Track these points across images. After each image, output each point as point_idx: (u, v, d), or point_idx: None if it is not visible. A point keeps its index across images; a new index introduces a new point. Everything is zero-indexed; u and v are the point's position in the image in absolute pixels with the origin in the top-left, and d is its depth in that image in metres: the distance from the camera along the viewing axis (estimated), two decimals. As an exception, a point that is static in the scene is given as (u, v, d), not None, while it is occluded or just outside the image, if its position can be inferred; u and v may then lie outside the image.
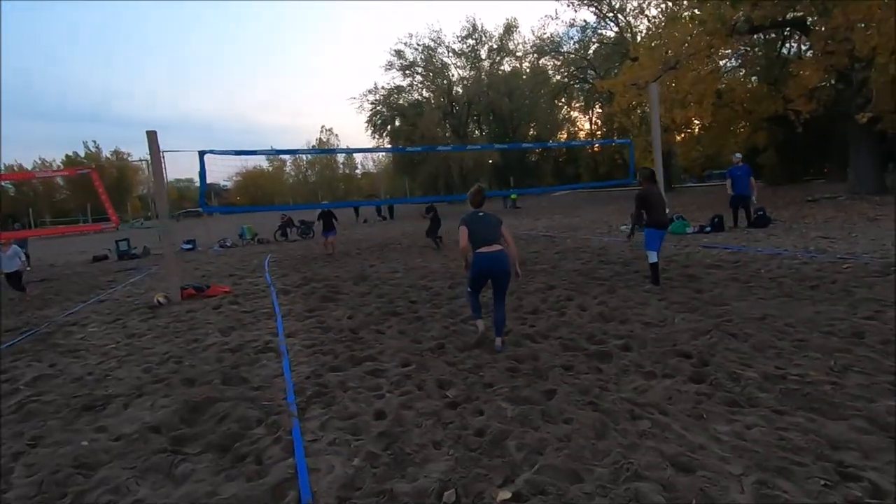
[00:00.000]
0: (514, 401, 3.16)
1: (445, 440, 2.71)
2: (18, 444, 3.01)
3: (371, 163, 77.82)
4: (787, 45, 24.72)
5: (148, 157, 7.22)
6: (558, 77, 43.92)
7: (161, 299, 7.17)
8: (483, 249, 4.15)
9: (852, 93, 15.90)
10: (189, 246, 17.73)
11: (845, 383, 3.05)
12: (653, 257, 6.12)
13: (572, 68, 40.22)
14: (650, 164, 20.99)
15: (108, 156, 65.28)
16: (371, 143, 59.85)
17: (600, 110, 49.21)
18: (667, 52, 17.99)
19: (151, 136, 7.06)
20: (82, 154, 63.56)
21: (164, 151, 7.18)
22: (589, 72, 38.98)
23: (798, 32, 18.01)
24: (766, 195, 17.51)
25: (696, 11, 15.65)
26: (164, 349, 4.89)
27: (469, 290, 4.48)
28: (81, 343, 5.43)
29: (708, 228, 11.03)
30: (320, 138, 74.66)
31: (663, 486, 2.20)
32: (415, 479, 2.37)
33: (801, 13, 15.79)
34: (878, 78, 12.98)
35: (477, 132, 52.68)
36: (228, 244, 18.05)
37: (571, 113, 55.51)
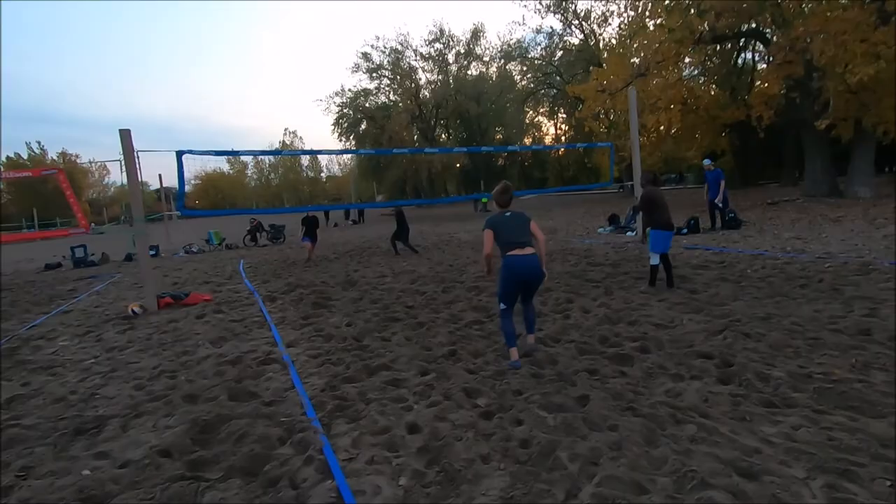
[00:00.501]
0: (550, 408, 3.05)
1: (493, 454, 2.57)
2: (6, 477, 2.67)
3: (336, 166, 76.91)
4: (742, 55, 25.97)
5: (102, 160, 6.76)
6: (524, 82, 44.54)
7: (136, 309, 6.70)
8: (515, 252, 3.77)
9: (809, 101, 16.79)
10: (152, 252, 16.84)
11: (872, 381, 3.10)
12: (655, 259, 6.13)
13: (539, 74, 40.81)
14: (620, 168, 21.50)
15: (55, 157, 61.80)
16: (338, 146, 59.10)
17: (564, 115, 50.35)
18: (635, 60, 18.51)
19: (125, 135, 6.61)
20: (25, 156, 59.90)
21: (138, 151, 6.76)
22: (556, 77, 39.65)
23: (757, 42, 18.85)
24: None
25: (664, 21, 16.12)
26: (152, 363, 4.53)
27: (501, 305, 3.96)
28: (55, 359, 4.98)
29: (685, 230, 11.31)
30: (284, 141, 73.18)
31: (733, 493, 2.13)
32: (473, 498, 2.22)
33: (760, 25, 16.54)
34: (836, 87, 13.69)
35: (444, 136, 52.71)
36: (194, 250, 17.29)
37: (537, 118, 56.32)
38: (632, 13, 22.11)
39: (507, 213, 3.96)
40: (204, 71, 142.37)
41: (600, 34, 35.94)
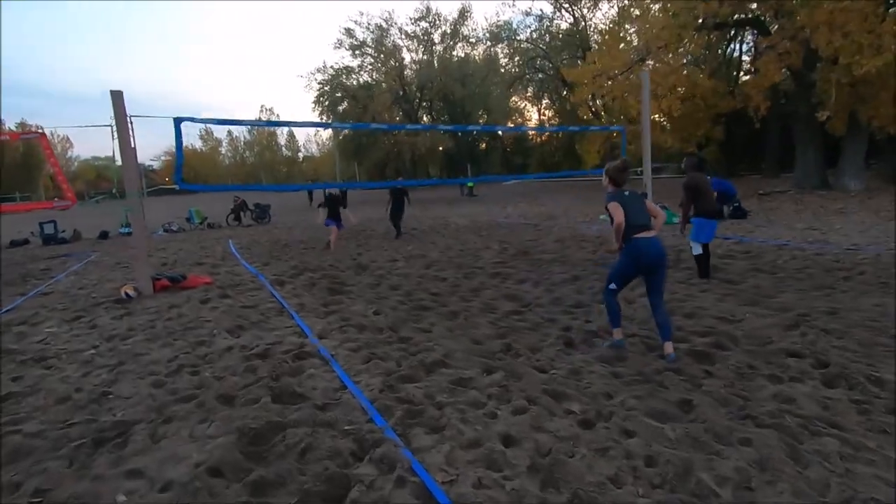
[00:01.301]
0: (656, 416, 2.69)
1: (621, 475, 2.18)
2: (21, 501, 2.15)
3: (315, 146, 75.04)
4: (733, 45, 26.00)
5: (86, 125, 5.98)
6: (511, 66, 43.90)
7: (130, 291, 6.06)
8: (641, 235, 3.49)
9: (805, 92, 16.84)
10: (127, 230, 15.84)
11: None
12: (697, 248, 5.83)
13: (526, 58, 40.24)
14: (617, 153, 21.31)
15: (13, 128, 58.12)
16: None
17: (547, 101, 50.03)
18: (633, 44, 18.18)
19: (117, 98, 5.88)
20: (-22, 124, 56.02)
21: (132, 116, 6.02)
22: (545, 63, 39.21)
23: (754, 31, 18.75)
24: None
25: (668, 4, 15.79)
26: (165, 355, 3.98)
27: (611, 286, 3.71)
28: (46, 348, 4.36)
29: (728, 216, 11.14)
30: (259, 117, 70.68)
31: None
32: (626, 536, 1.83)
33: (762, 14, 16.37)
34: (838, 79, 13.67)
35: (426, 117, 51.70)
36: (174, 229, 16.35)
37: (522, 103, 55.83)
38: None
39: (626, 193, 3.66)
40: (174, 43, 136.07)
41: (590, 18, 35.66)
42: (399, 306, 5.24)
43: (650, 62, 17.74)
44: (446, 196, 30.43)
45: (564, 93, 40.85)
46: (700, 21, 16.04)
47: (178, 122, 6.24)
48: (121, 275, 8.15)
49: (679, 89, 16.62)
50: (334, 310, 5.14)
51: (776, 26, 16.39)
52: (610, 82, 20.97)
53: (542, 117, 55.92)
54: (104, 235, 14.94)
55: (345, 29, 44.87)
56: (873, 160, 20.70)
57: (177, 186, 6.22)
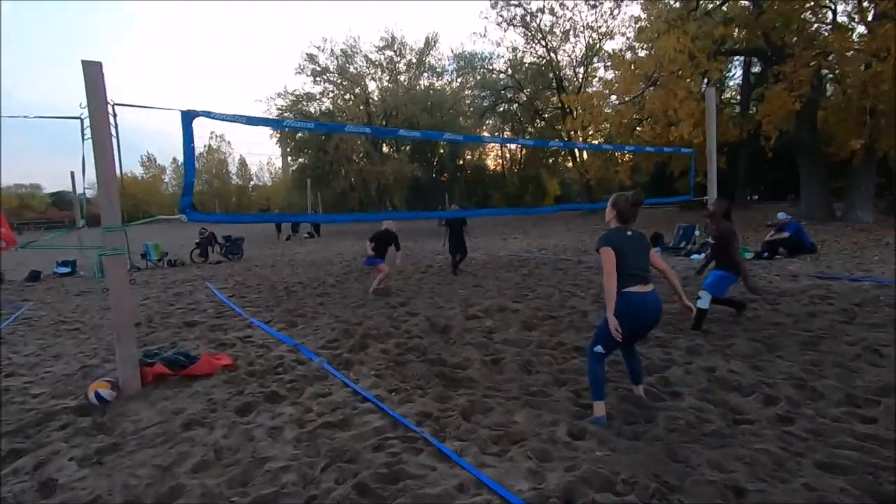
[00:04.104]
0: None
1: None
2: None
3: (267, 175, 71.63)
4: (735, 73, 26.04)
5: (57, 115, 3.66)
6: (479, 96, 43.34)
7: (104, 391, 3.63)
8: (637, 289, 2.91)
9: (809, 121, 16.49)
10: (65, 269, 12.77)
11: None
12: (705, 302, 4.91)
13: (500, 88, 39.84)
14: (628, 181, 20.26)
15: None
16: (277, 152, 54.81)
17: (510, 133, 49.86)
18: (644, 70, 17.35)
19: (92, 71, 3.60)
20: None
21: (114, 104, 3.74)
22: (518, 94, 38.93)
23: (763, 61, 18.44)
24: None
25: (686, 28, 15.01)
26: None
27: (597, 348, 3.06)
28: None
29: (766, 254, 9.80)
30: (209, 145, 66.74)
31: None
32: None
33: (778, 42, 15.92)
34: (875, 107, 13.13)
35: (386, 148, 50.02)
36: (128, 267, 13.37)
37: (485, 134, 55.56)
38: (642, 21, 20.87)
39: (629, 233, 3.06)
40: (117, 58, 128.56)
41: (561, 48, 35.59)
42: (569, 406, 3.24)
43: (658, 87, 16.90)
44: (418, 227, 28.40)
45: (539, 123, 40.64)
46: (716, 47, 15.37)
47: (187, 117, 4.00)
48: (74, 344, 5.57)
49: (697, 117, 15.73)
50: (499, 431, 2.98)
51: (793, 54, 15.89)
52: (609, 110, 20.14)
53: (503, 149, 55.85)
54: (35, 276, 11.82)
55: (307, 54, 43.03)
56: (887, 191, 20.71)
57: (183, 218, 3.92)
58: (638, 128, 20.08)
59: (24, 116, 3.64)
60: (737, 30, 14.72)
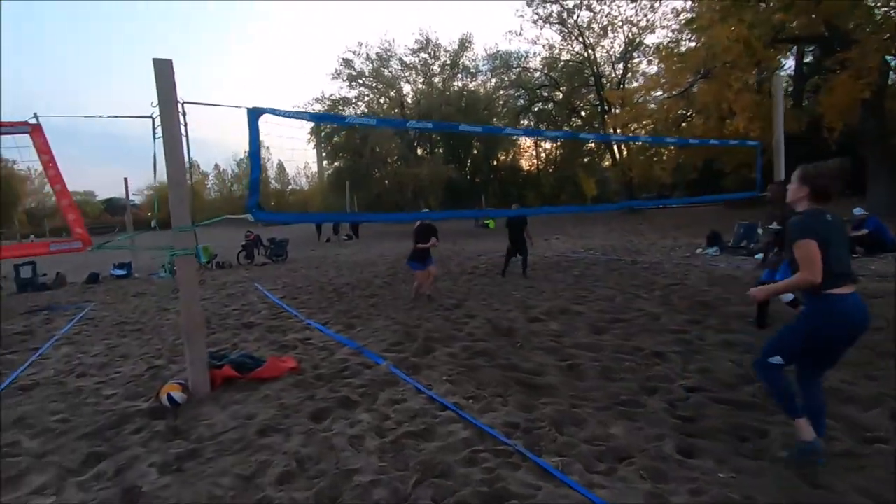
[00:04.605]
0: None
1: None
2: None
3: (304, 179, 73.05)
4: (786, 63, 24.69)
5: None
6: (514, 96, 42.89)
7: (176, 394, 3.57)
8: (842, 290, 2.29)
9: (877, 113, 15.40)
10: (122, 272, 13.20)
11: None
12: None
13: (535, 87, 39.36)
14: (664, 174, 19.44)
15: (-16, 161, 54.57)
16: (313, 156, 55.81)
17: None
18: (693, 62, 16.63)
19: (163, 69, 3.56)
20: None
21: (183, 102, 3.70)
22: (554, 92, 38.37)
23: (823, 49, 17.39)
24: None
25: (742, 16, 14.25)
26: None
27: (777, 359, 2.45)
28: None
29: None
30: (247, 149, 68.66)
31: None
32: None
33: (844, 26, 14.92)
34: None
35: (420, 150, 50.08)
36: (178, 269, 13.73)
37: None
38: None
39: (829, 217, 2.37)
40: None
41: (598, 43, 34.75)
42: (667, 417, 2.94)
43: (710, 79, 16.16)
44: (455, 228, 28.21)
45: (575, 121, 39.93)
46: (774, 35, 14.56)
47: (253, 114, 3.92)
48: (138, 345, 5.62)
49: (753, 110, 14.92)
50: (600, 446, 2.72)
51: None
52: (653, 105, 19.48)
53: (538, 149, 55.12)
54: (94, 278, 12.26)
55: (343, 59, 43.71)
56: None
57: (250, 216, 3.84)
58: (683, 123, 19.33)
59: (100, 116, 3.64)
60: (796, 16, 13.85)
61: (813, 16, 14.27)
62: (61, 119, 5.33)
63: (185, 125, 3.71)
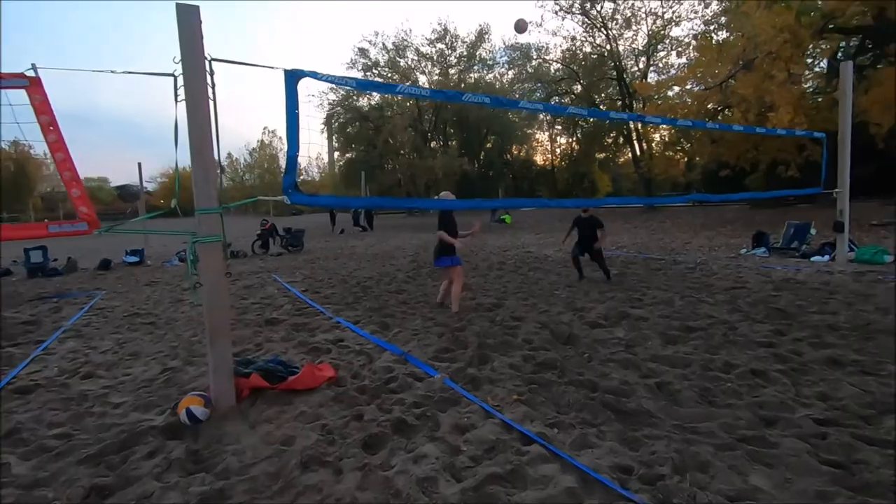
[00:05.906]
0: None
1: None
2: None
3: (316, 169, 72.58)
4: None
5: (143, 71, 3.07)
6: (531, 89, 41.99)
7: (196, 408, 2.99)
8: None
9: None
10: (135, 258, 12.73)
11: None
12: None
13: (554, 80, 38.48)
14: (677, 172, 18.51)
15: (5, 147, 54.53)
16: (325, 145, 55.20)
17: (560, 126, 48.30)
18: (732, 53, 15.76)
19: (187, 16, 2.96)
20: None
21: (212, 59, 3.09)
22: (574, 85, 37.47)
23: (873, 40, 16.44)
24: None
25: (788, 5, 13.39)
26: None
27: None
28: None
29: (910, 258, 8.37)
30: (262, 140, 68.38)
31: None
32: None
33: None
34: None
35: (434, 143, 49.32)
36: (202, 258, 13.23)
37: (532, 130, 54.24)
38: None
39: None
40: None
41: (621, 35, 33.73)
42: (813, 462, 2.32)
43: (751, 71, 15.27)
44: (468, 221, 27.46)
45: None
46: (825, 24, 13.68)
47: (291, 77, 3.31)
48: (151, 340, 5.07)
49: (794, 103, 14.07)
50: (743, 502, 2.11)
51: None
52: (688, 98, 18.67)
53: (553, 144, 54.15)
54: (105, 265, 11.78)
55: (359, 49, 42.93)
56: None
57: (286, 199, 3.24)
58: (719, 116, 18.46)
59: (113, 71, 3.06)
60: (848, 3, 12.97)
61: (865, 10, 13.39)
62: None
63: (213, 86, 3.10)
